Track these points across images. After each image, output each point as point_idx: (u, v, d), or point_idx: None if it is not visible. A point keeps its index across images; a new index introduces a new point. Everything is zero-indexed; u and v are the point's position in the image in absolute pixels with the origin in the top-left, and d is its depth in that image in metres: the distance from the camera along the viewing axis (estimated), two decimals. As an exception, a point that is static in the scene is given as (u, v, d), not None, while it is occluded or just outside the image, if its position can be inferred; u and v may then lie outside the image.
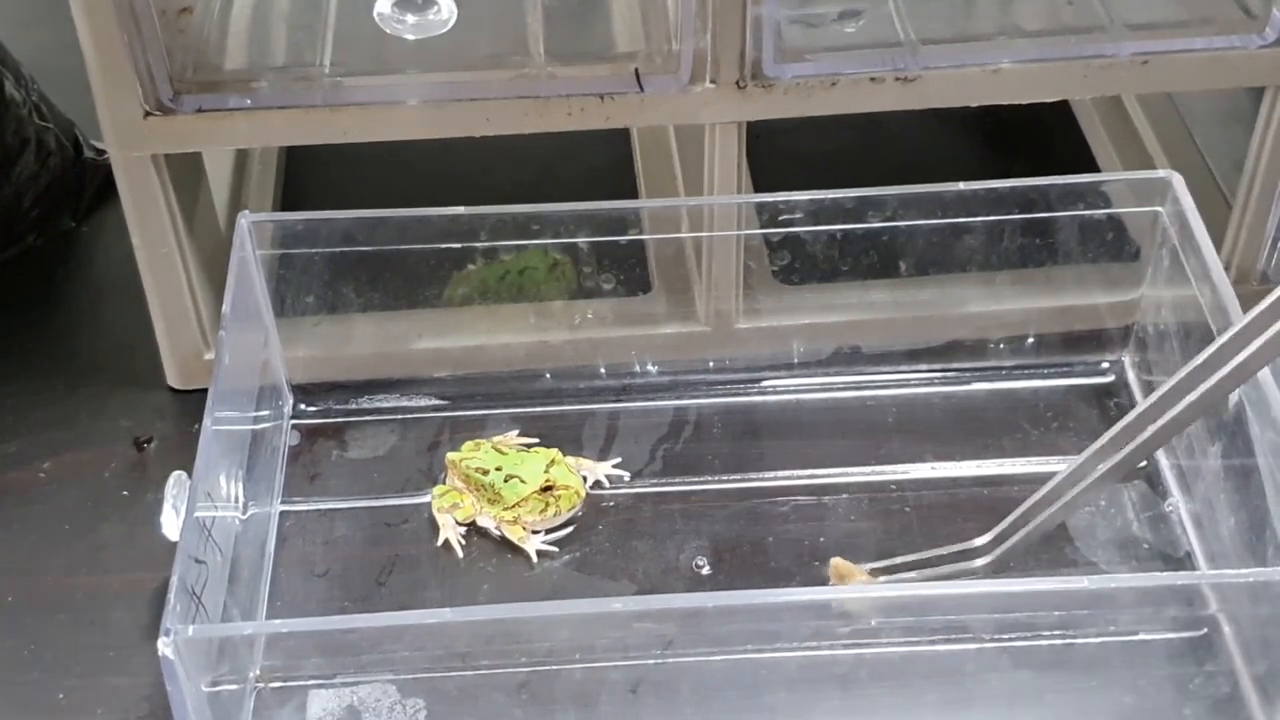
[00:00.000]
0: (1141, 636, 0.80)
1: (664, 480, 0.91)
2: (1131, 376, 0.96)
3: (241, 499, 0.83)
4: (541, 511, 0.87)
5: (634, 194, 1.07)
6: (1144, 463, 0.87)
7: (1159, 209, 0.91)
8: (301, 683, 0.80)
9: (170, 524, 0.77)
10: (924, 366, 0.96)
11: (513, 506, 0.87)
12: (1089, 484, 0.80)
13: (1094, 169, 1.08)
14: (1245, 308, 0.78)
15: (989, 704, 0.80)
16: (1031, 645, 0.78)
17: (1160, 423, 0.78)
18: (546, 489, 0.87)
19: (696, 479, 0.91)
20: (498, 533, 0.88)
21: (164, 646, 0.69)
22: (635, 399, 0.96)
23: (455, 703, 0.79)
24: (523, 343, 0.96)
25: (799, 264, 0.96)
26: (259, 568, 0.85)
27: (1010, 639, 0.78)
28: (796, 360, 0.96)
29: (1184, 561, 0.86)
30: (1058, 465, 0.90)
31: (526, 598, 0.85)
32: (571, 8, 0.93)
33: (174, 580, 0.71)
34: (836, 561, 0.84)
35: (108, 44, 0.84)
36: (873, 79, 0.88)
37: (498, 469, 0.88)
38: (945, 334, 0.96)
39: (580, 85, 0.88)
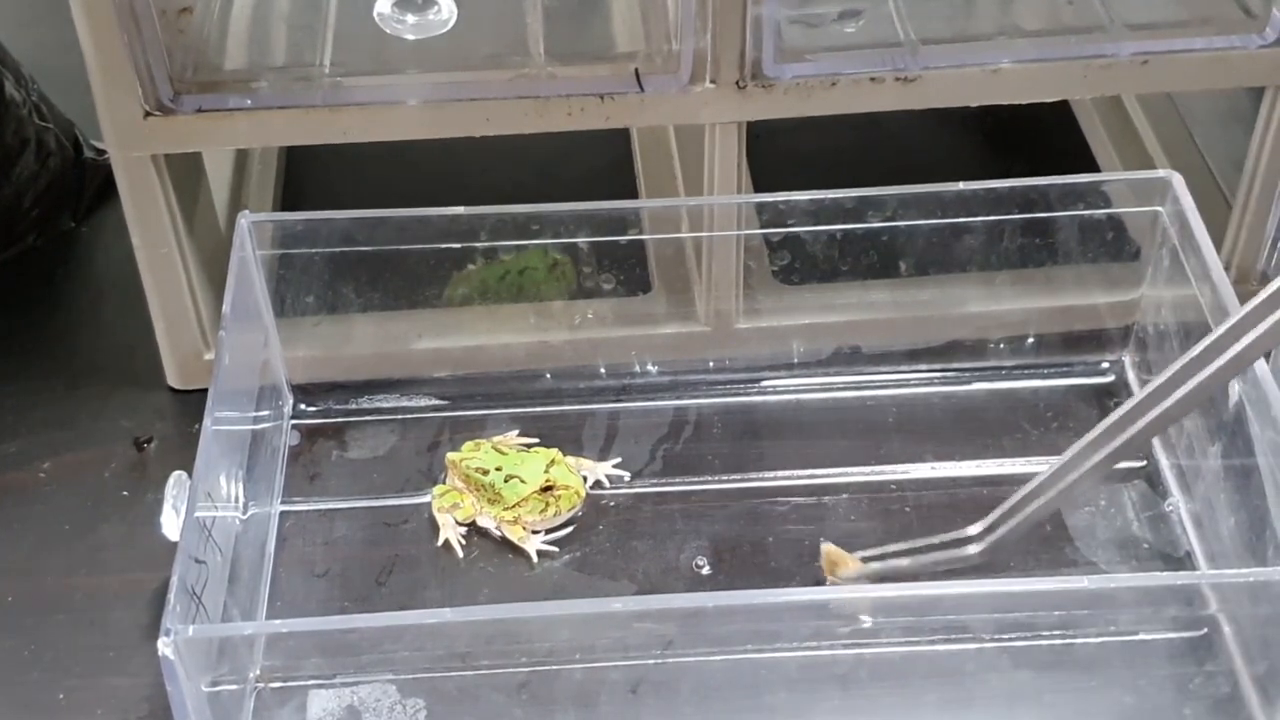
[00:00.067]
0: (1141, 636, 0.80)
1: (664, 480, 0.91)
2: (1131, 376, 0.96)
3: (241, 499, 0.83)
4: (541, 511, 0.87)
5: (634, 194, 1.07)
6: (1144, 459, 0.87)
7: (1159, 209, 0.91)
8: (301, 683, 0.80)
9: (170, 524, 0.77)
10: (924, 366, 0.96)
11: (513, 506, 0.87)
12: (1083, 473, 0.79)
13: (1094, 169, 1.08)
14: (1245, 308, 0.78)
15: (989, 704, 0.80)
16: (1031, 645, 0.78)
17: (1154, 413, 0.77)
18: (546, 489, 0.87)
19: (696, 479, 0.91)
20: (498, 533, 0.88)
21: (164, 646, 0.69)
22: (635, 399, 0.96)
23: (455, 703, 0.79)
24: (523, 343, 0.96)
25: (799, 264, 0.96)
26: (259, 568, 0.85)
27: (1010, 639, 0.78)
28: (796, 360, 0.96)
29: (1184, 561, 0.86)
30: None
31: (526, 598, 0.85)
32: (571, 8, 0.93)
33: (174, 580, 0.71)
34: (827, 548, 0.84)
35: (108, 44, 0.84)
36: (873, 79, 0.88)
37: (498, 469, 0.88)
38: (945, 334, 0.96)
39: (580, 85, 0.88)
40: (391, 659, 0.77)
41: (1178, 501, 0.89)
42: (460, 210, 0.90)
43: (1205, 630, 0.81)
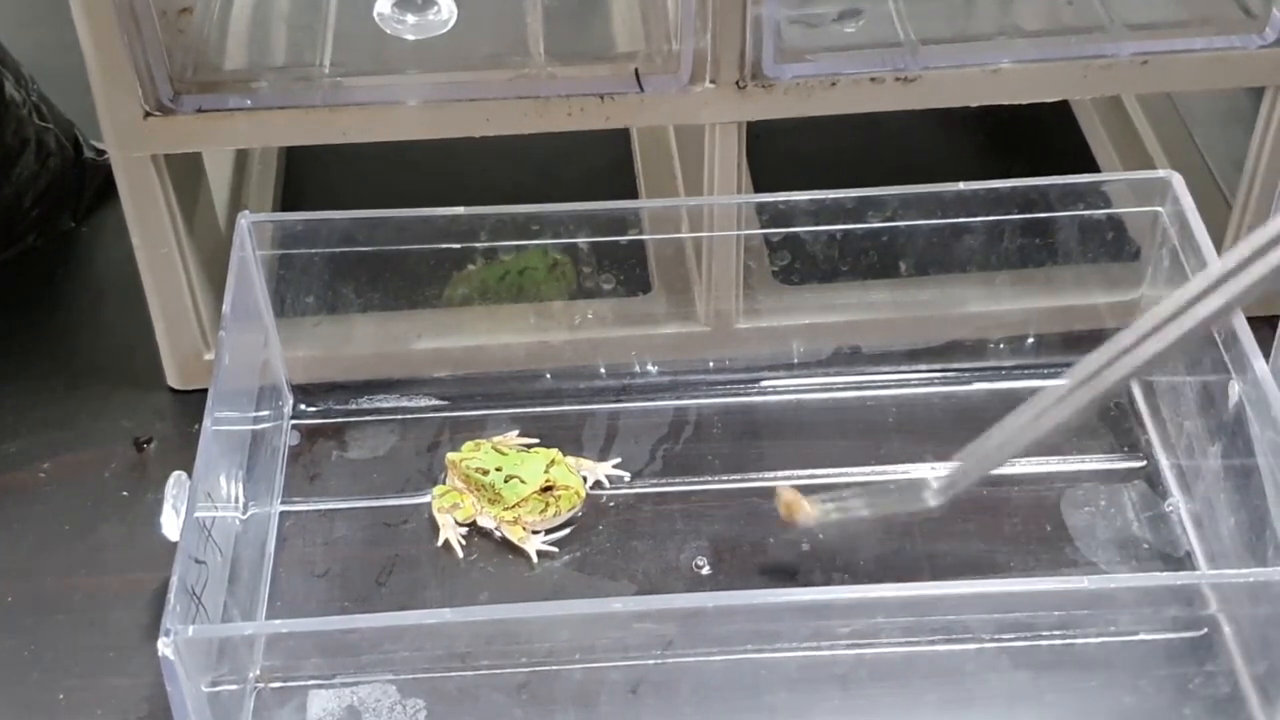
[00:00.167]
0: (1141, 636, 0.80)
1: (664, 480, 0.91)
2: (1131, 376, 0.96)
3: (241, 499, 0.83)
4: (541, 512, 0.87)
5: (634, 194, 1.07)
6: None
7: (1159, 209, 0.91)
8: (301, 683, 0.80)
9: (170, 524, 0.77)
10: (924, 366, 0.96)
11: (513, 507, 0.87)
12: (1048, 413, 0.77)
13: (1094, 169, 1.08)
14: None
15: (989, 704, 0.80)
16: (1031, 645, 0.78)
17: (1128, 358, 0.75)
18: (546, 489, 0.87)
19: (696, 479, 0.91)
20: (498, 533, 0.88)
21: (164, 647, 0.69)
22: (635, 399, 0.96)
23: (455, 703, 0.79)
24: (523, 343, 0.96)
25: (799, 264, 0.96)
26: (259, 568, 0.85)
27: (1010, 639, 0.78)
28: (796, 360, 0.96)
29: (1184, 561, 0.86)
30: (1057, 465, 0.90)
31: (526, 598, 0.85)
32: (571, 8, 0.93)
33: (174, 580, 0.71)
34: (782, 489, 0.83)
35: (108, 44, 0.84)
36: (873, 79, 0.88)
37: (498, 469, 0.88)
38: (945, 334, 0.96)
39: (580, 85, 0.88)
40: (391, 659, 0.77)
41: (1178, 502, 0.89)
42: (460, 210, 0.90)
43: (1205, 630, 0.81)
